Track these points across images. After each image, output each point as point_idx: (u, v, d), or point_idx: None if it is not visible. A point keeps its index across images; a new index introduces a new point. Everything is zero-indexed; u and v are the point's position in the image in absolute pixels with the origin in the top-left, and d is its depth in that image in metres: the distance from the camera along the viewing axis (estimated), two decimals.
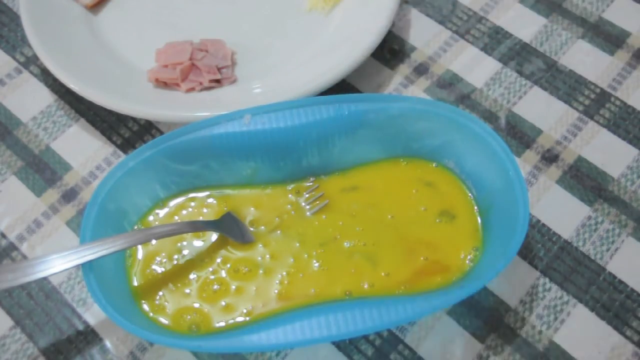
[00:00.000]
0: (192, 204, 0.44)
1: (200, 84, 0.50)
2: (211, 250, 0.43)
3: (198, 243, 0.43)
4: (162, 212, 0.44)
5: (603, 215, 0.46)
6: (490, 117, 0.51)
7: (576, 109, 0.51)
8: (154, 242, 0.43)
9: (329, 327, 0.36)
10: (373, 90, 0.53)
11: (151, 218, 0.44)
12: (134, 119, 0.51)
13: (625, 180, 0.48)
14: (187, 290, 0.41)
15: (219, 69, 0.51)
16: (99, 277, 0.38)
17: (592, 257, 0.45)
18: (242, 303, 0.41)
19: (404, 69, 0.53)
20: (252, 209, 0.44)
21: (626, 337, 0.42)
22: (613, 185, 0.47)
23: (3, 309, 0.43)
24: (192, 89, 0.50)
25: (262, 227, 0.44)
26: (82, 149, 0.50)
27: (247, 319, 0.40)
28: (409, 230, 0.43)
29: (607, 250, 0.45)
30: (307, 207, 0.44)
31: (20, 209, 0.47)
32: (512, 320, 0.42)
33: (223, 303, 0.41)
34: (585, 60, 0.53)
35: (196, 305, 0.41)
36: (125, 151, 0.50)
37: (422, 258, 0.42)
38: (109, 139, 0.50)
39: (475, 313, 0.43)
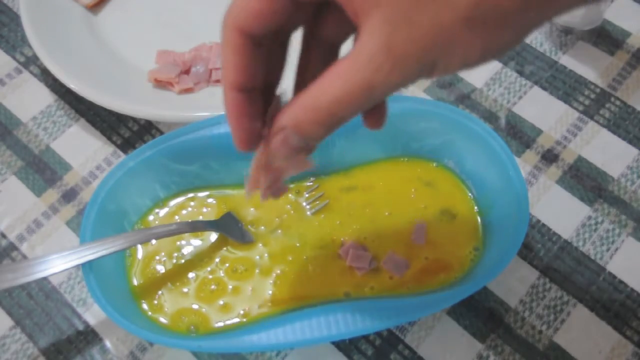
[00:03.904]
0: (192, 203, 0.44)
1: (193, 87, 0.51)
2: (211, 250, 0.43)
3: (198, 242, 0.43)
4: (162, 212, 0.44)
5: (603, 215, 0.46)
6: (490, 117, 0.51)
7: (576, 109, 0.51)
8: (153, 241, 0.43)
9: (329, 327, 0.36)
10: None
11: (151, 218, 0.44)
12: (134, 119, 0.51)
13: (625, 180, 0.48)
14: (186, 290, 0.41)
15: (216, 69, 0.51)
16: (99, 277, 0.38)
17: (592, 257, 0.45)
18: (241, 303, 0.41)
19: None
20: (251, 209, 0.44)
21: (626, 337, 0.42)
22: (613, 185, 0.47)
23: (3, 309, 0.43)
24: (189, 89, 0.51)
25: (262, 227, 0.44)
26: (82, 149, 0.50)
27: (246, 319, 0.40)
28: (409, 230, 0.43)
29: (607, 250, 0.45)
30: (307, 207, 0.44)
31: (20, 209, 0.47)
32: (512, 320, 0.42)
33: (221, 302, 0.41)
34: (585, 60, 0.53)
35: (194, 305, 0.41)
36: (125, 151, 0.50)
37: (423, 257, 0.42)
38: (109, 139, 0.50)
39: (475, 313, 0.43)
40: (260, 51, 0.26)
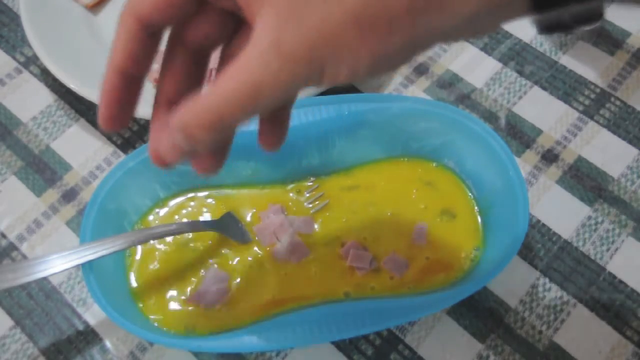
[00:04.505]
0: (192, 203, 0.44)
1: None
2: (210, 250, 0.43)
3: (198, 243, 0.43)
4: (162, 212, 0.44)
5: (603, 215, 0.46)
6: (490, 117, 0.51)
7: (576, 109, 0.51)
8: (153, 241, 0.43)
9: (329, 327, 0.36)
10: (373, 90, 0.53)
11: (151, 218, 0.44)
12: (134, 119, 0.51)
13: (625, 180, 0.48)
14: (185, 290, 0.41)
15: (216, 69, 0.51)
16: (99, 277, 0.38)
17: (592, 257, 0.45)
18: (241, 303, 0.41)
19: (404, 69, 0.53)
20: (252, 209, 0.44)
21: (626, 337, 0.42)
22: (613, 185, 0.47)
23: (3, 309, 0.43)
24: None
25: None
26: (82, 149, 0.50)
27: (247, 319, 0.40)
28: (409, 230, 0.43)
29: (607, 250, 0.45)
30: (308, 206, 0.44)
31: (20, 209, 0.47)
32: (512, 320, 0.42)
33: (221, 302, 0.41)
34: (585, 60, 0.53)
35: (194, 305, 0.40)
36: (125, 151, 0.50)
37: (423, 257, 0.42)
38: (109, 139, 0.50)
39: (475, 313, 0.43)
40: (152, 42, 0.25)
